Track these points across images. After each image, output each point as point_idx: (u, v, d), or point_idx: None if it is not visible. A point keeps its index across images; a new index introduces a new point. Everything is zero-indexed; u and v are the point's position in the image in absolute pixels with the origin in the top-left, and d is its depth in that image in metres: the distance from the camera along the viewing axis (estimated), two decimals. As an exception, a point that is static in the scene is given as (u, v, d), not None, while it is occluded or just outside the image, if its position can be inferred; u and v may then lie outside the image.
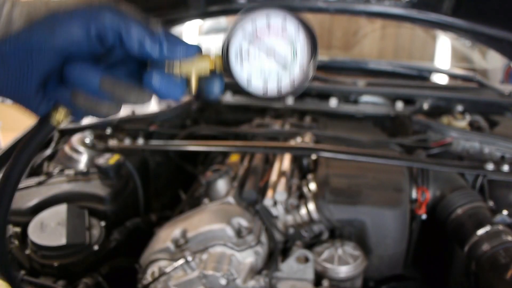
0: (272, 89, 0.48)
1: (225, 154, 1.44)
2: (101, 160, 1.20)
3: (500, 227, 1.01)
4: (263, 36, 0.46)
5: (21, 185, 1.17)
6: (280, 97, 0.48)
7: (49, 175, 1.21)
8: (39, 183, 1.17)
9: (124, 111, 1.55)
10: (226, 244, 0.98)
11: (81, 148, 1.32)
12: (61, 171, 1.23)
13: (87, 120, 1.53)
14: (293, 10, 0.45)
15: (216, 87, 0.49)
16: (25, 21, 0.44)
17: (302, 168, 1.33)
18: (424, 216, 1.18)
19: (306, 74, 0.47)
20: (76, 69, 0.45)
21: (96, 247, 1.02)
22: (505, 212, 1.05)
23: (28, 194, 1.12)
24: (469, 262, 1.02)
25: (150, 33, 0.44)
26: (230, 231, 1.00)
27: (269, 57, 0.47)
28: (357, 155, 1.18)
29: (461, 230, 1.08)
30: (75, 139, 1.36)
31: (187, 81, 0.48)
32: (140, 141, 1.37)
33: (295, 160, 1.34)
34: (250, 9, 0.45)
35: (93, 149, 1.33)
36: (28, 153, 0.50)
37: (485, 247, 0.97)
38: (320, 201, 1.12)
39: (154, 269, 0.99)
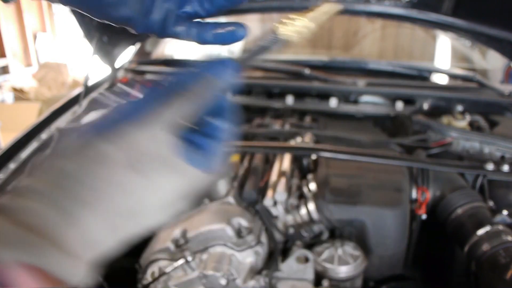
0: None
1: (225, 154, 1.44)
2: (101, 160, 1.19)
3: (500, 227, 1.01)
4: None
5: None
6: None
7: (49, 175, 1.21)
8: (39, 183, 1.17)
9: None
10: (226, 244, 0.98)
11: (81, 148, 1.32)
12: (61, 171, 1.22)
13: (87, 119, 1.53)
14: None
15: None
16: None
17: (302, 168, 1.33)
18: (424, 216, 1.18)
19: None
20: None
21: (96, 247, 1.01)
22: (505, 212, 1.05)
23: (28, 194, 1.12)
24: (469, 262, 1.02)
25: None
26: (230, 231, 1.00)
27: None
28: (357, 155, 1.18)
29: (461, 230, 1.08)
30: (75, 139, 1.36)
31: None
32: (140, 141, 1.36)
33: (295, 160, 1.34)
34: None
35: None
36: None
37: (485, 247, 0.97)
38: (320, 201, 1.12)
39: (154, 269, 0.99)
